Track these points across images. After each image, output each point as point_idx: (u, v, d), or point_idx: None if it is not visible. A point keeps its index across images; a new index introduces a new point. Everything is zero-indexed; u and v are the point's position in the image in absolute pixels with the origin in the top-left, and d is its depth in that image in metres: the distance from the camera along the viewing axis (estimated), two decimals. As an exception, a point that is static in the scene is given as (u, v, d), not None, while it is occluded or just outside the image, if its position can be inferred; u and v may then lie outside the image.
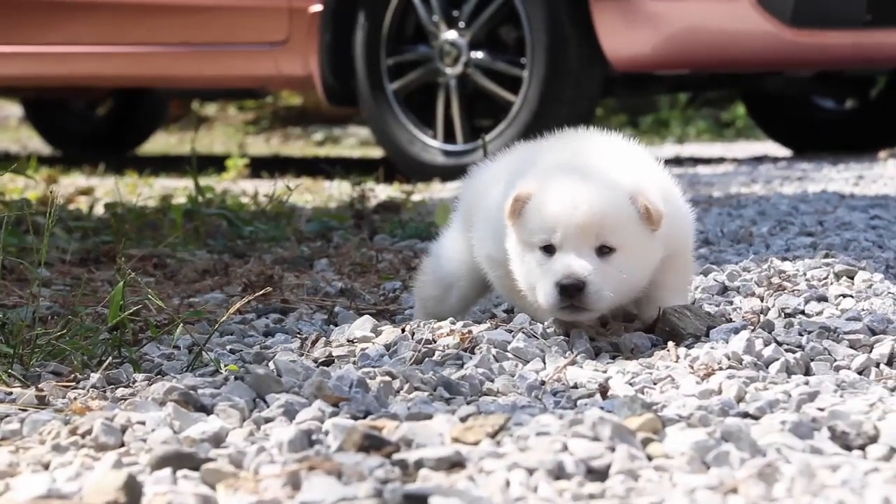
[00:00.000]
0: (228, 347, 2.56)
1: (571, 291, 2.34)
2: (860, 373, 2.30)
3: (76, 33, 6.99)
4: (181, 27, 6.72)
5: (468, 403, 2.07)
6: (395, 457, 1.73)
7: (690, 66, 6.28)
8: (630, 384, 2.21)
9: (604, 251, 2.39)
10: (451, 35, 6.27)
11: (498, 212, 2.46)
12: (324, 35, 6.37)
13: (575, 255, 2.36)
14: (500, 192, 2.52)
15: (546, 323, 2.48)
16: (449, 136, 6.32)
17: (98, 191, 5.58)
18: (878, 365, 2.32)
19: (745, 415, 2.01)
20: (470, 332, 2.41)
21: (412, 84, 6.40)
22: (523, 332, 2.41)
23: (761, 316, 2.66)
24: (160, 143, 9.96)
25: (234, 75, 6.75)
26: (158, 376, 2.38)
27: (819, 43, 6.39)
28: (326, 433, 1.84)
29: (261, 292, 2.48)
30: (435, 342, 2.41)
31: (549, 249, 2.39)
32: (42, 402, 2.12)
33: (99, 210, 4.52)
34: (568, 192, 2.38)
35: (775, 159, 7.10)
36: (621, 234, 2.39)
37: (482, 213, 2.57)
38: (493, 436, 1.81)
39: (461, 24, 6.26)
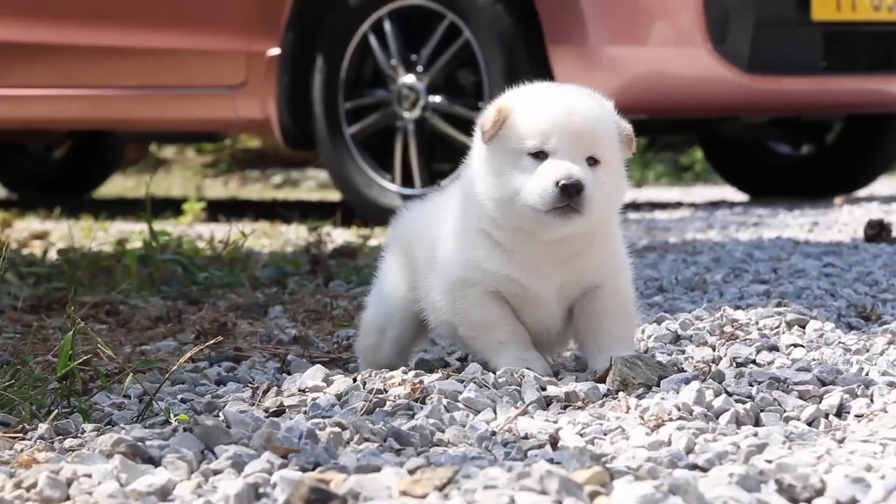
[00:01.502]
0: (180, 396, 2.55)
1: (571, 191, 2.39)
2: (809, 424, 2.31)
3: (32, 76, 6.97)
4: (139, 70, 6.71)
5: (418, 454, 2.07)
6: (343, 511, 1.72)
7: (648, 111, 6.32)
8: (581, 435, 2.21)
9: (590, 162, 2.45)
10: (409, 79, 6.29)
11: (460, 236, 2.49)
12: (282, 78, 6.38)
13: (570, 161, 2.40)
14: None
15: (499, 372, 2.48)
16: (407, 180, 6.33)
17: (53, 235, 5.56)
18: (827, 416, 2.33)
19: (694, 466, 2.02)
20: (421, 381, 2.41)
21: (370, 128, 6.41)
22: (475, 382, 2.41)
23: (713, 365, 2.67)
24: (117, 185, 9.93)
25: (192, 118, 6.74)
26: (108, 426, 2.37)
27: (775, 89, 6.45)
28: (274, 485, 1.83)
29: (212, 341, 2.47)
30: (386, 391, 2.40)
31: (538, 156, 2.42)
32: (-12, 453, 2.11)
33: (53, 255, 4.50)
34: (564, 101, 2.46)
35: (732, 204, 7.15)
36: (608, 148, 2.48)
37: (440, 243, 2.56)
38: (440, 489, 1.81)
39: (419, 69, 6.29)
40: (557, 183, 2.40)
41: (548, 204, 2.40)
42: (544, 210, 2.42)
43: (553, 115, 2.42)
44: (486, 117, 2.46)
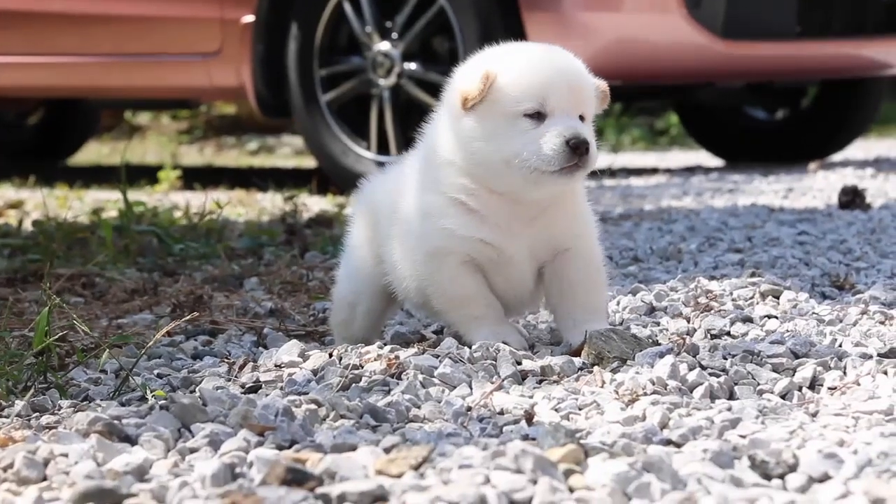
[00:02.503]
0: (156, 371, 2.55)
1: (581, 150, 2.43)
2: (783, 397, 2.33)
3: (4, 43, 6.92)
4: (112, 37, 6.67)
5: (394, 431, 2.08)
6: (319, 490, 1.73)
7: (622, 77, 6.31)
8: (556, 410, 2.22)
9: (580, 119, 2.50)
10: (384, 46, 6.27)
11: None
12: (256, 46, 6.35)
13: (570, 119, 2.45)
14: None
15: (474, 347, 2.49)
16: (383, 148, 6.32)
17: (28, 204, 5.53)
18: (800, 389, 2.35)
19: (669, 442, 2.03)
20: (397, 357, 2.42)
21: (345, 95, 6.40)
22: (450, 357, 2.42)
23: (687, 338, 2.69)
24: (92, 152, 9.89)
25: (167, 86, 6.71)
26: (85, 402, 2.37)
27: (750, 55, 6.46)
28: (251, 464, 1.84)
29: (188, 317, 2.47)
30: (362, 367, 2.41)
31: (535, 117, 2.44)
32: (-35, 432, 2.10)
33: (28, 225, 4.49)
34: (553, 60, 2.48)
35: (707, 170, 7.16)
36: (592, 106, 2.53)
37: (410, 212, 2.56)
38: (416, 468, 1.82)
39: (394, 35, 6.27)
40: (568, 142, 2.42)
41: (558, 163, 2.43)
42: (551, 170, 2.44)
43: (547, 76, 2.44)
44: (470, 83, 2.45)
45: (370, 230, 2.67)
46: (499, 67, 2.46)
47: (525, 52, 2.53)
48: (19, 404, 2.25)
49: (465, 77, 2.49)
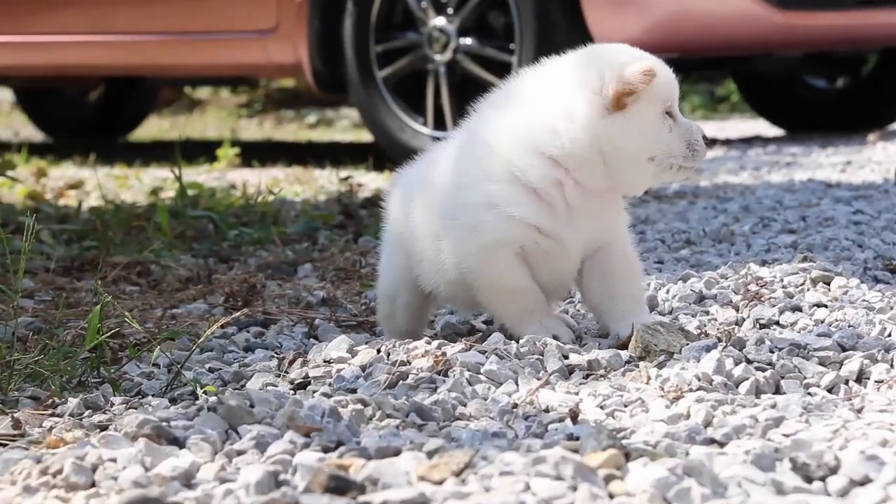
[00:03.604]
0: (207, 366, 2.59)
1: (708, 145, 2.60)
2: (829, 390, 2.32)
3: (64, 22, 6.99)
4: (170, 15, 6.72)
5: (440, 430, 2.10)
6: (361, 499, 1.76)
7: (680, 50, 6.28)
8: (601, 407, 2.23)
9: None
10: (439, 21, 6.27)
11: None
12: (312, 22, 6.37)
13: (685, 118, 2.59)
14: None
15: (521, 342, 2.50)
16: (439, 123, 6.33)
17: (88, 183, 5.60)
18: (846, 382, 2.35)
19: (712, 441, 2.04)
20: (444, 353, 2.43)
21: (401, 71, 6.41)
22: (496, 354, 2.43)
23: (736, 328, 2.69)
24: (153, 127, 9.97)
25: (224, 63, 6.75)
26: (137, 397, 2.41)
27: (809, 24, 6.40)
28: (295, 469, 1.87)
29: (239, 313, 2.51)
30: (409, 363, 2.43)
31: (669, 115, 2.55)
32: (18, 431, 2.15)
33: (88, 206, 4.54)
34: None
35: (766, 141, 7.11)
36: None
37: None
38: (457, 474, 1.84)
39: (450, 11, 6.27)
40: (704, 138, 2.57)
41: (700, 158, 2.57)
42: (691, 165, 2.57)
43: (673, 76, 2.56)
44: (636, 79, 2.46)
45: (402, 224, 2.69)
46: (647, 66, 2.49)
47: (638, 52, 2.57)
48: (72, 402, 2.30)
49: (629, 73, 2.48)
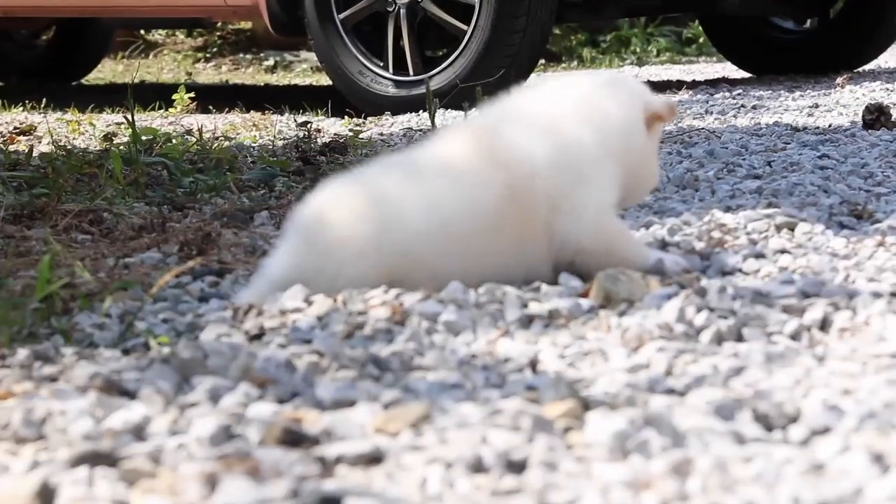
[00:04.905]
0: (161, 316, 2.54)
1: None
2: (793, 338, 2.30)
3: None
4: (125, -43, 6.60)
5: (396, 381, 2.06)
6: (316, 452, 1.72)
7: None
8: (561, 357, 2.20)
9: None
10: (399, -37, 6.18)
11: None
12: (270, -37, 6.28)
13: None
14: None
15: (480, 290, 2.46)
16: (400, 67, 6.26)
17: (39, 129, 5.50)
18: (809, 330, 2.32)
19: (672, 391, 2.01)
20: (401, 303, 2.39)
21: (361, 13, 6.33)
22: (455, 303, 2.39)
23: (699, 276, 2.66)
24: (107, 71, 9.82)
25: (179, 5, 6.64)
26: (89, 348, 2.36)
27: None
28: (249, 422, 1.83)
29: (192, 263, 2.45)
30: (366, 313, 2.39)
31: None
32: (-34, 384, 2.10)
33: (39, 151, 4.46)
34: None
35: (732, 83, 7.06)
36: None
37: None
38: (414, 426, 1.80)
39: (411, -48, 6.18)
40: None
41: None
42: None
43: None
44: (662, 108, 2.69)
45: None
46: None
47: None
48: (22, 353, 2.24)
49: (640, 101, 2.68)
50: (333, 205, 2.50)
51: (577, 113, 2.62)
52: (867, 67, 7.59)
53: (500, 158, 2.51)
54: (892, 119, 4.91)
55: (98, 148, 4.67)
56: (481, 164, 2.51)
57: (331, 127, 5.62)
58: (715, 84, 7.10)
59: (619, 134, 2.63)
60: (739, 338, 2.29)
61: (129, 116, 4.15)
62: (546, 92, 2.71)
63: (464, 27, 6.11)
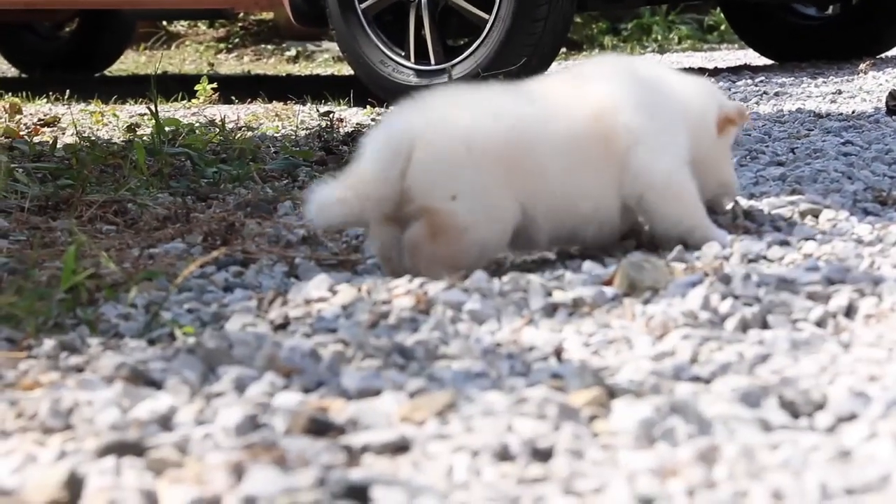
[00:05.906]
0: (186, 306, 2.54)
1: None
2: (818, 325, 2.29)
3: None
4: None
5: (421, 370, 2.06)
6: (342, 440, 1.72)
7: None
8: (585, 345, 2.20)
9: None
10: (421, -48, 6.17)
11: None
12: (291, -47, 6.28)
13: None
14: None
15: (504, 279, 2.46)
16: (421, 56, 6.25)
17: (63, 120, 5.52)
18: (835, 316, 2.31)
19: (697, 378, 2.01)
20: (426, 292, 2.39)
21: (383, 2, 6.31)
22: (479, 292, 2.39)
23: (724, 263, 2.65)
24: (129, 62, 9.84)
25: (202, -4, 6.65)
26: (115, 338, 2.37)
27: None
28: (275, 411, 1.83)
29: (216, 253, 2.46)
30: (391, 302, 2.39)
31: None
32: (-7, 375, 2.11)
33: (63, 143, 4.47)
34: None
35: (755, 70, 7.03)
36: None
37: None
38: (440, 414, 1.80)
39: (432, -59, 6.17)
40: None
41: None
42: None
43: None
44: (734, 111, 2.83)
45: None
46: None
47: None
48: (48, 344, 2.25)
49: (715, 100, 2.83)
50: (453, 112, 2.64)
51: (664, 83, 2.77)
52: (890, 53, 7.55)
53: (590, 96, 2.69)
54: (917, 105, 4.89)
55: (122, 139, 4.68)
56: (576, 96, 2.69)
57: (353, 116, 5.63)
58: (737, 71, 7.07)
59: (695, 118, 2.76)
60: (764, 325, 2.29)
61: (153, 107, 4.16)
62: (634, 61, 3.03)
63: (485, 16, 6.09)
